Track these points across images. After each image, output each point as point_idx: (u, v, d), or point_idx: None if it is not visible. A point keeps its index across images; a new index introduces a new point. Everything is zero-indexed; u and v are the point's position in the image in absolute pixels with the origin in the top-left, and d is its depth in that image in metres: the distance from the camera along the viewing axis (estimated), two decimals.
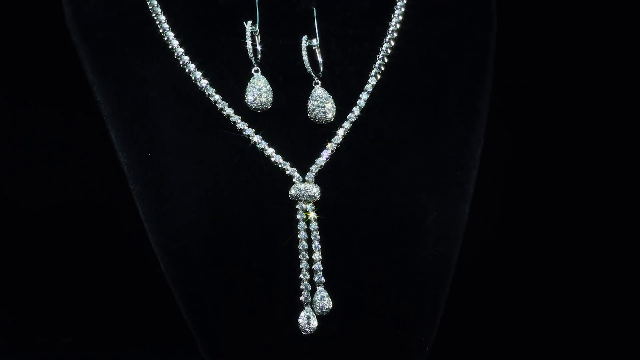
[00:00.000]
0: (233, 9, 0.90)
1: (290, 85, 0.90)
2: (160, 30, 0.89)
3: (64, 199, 1.53)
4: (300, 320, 0.84)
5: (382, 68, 0.93)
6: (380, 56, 0.93)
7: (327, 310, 0.85)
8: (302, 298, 0.85)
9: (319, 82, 0.90)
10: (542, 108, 1.48)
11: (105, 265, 1.51)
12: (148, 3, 0.89)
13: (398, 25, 0.95)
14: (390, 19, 0.95)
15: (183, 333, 1.50)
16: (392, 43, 0.94)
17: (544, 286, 1.48)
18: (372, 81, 0.92)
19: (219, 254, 0.85)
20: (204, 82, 0.88)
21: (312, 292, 0.85)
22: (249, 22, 0.88)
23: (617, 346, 1.43)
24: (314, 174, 0.88)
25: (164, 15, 0.89)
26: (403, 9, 0.96)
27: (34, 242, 1.50)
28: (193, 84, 0.89)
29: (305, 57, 0.89)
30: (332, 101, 0.89)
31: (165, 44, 0.89)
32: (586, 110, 1.47)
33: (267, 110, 0.88)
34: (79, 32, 0.89)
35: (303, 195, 0.86)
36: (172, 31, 0.89)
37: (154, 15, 0.89)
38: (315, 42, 0.90)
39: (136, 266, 1.51)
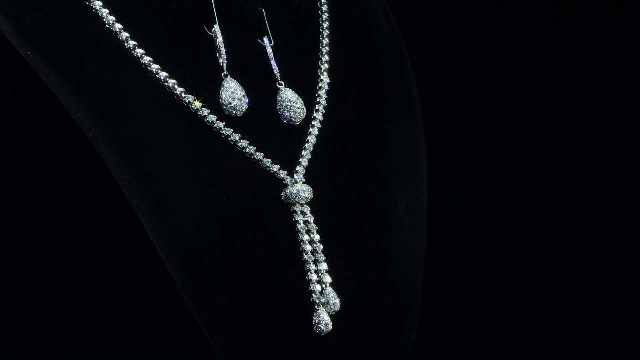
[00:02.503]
0: (186, 13, 0.89)
1: (254, 87, 0.89)
2: (121, 39, 0.87)
3: (64, 199, 1.53)
4: (317, 321, 0.84)
5: (327, 65, 0.94)
6: (324, 52, 0.94)
7: (337, 309, 0.85)
8: (315, 299, 0.85)
9: (283, 82, 0.90)
10: (533, 108, 1.48)
11: (105, 265, 1.51)
12: (98, 13, 0.88)
13: (327, 23, 0.96)
14: (319, 17, 0.96)
15: (183, 333, 1.50)
16: (328, 40, 0.95)
17: (542, 286, 1.48)
18: (326, 78, 0.93)
19: (227, 261, 0.84)
20: (179, 90, 0.87)
21: (321, 292, 0.85)
22: (216, 26, 0.88)
23: (616, 346, 1.43)
24: (302, 174, 0.87)
25: (118, 23, 0.87)
26: (326, 6, 0.97)
27: (34, 243, 1.51)
28: (169, 92, 0.88)
29: (272, 59, 0.89)
30: (302, 101, 0.89)
31: (128, 53, 0.87)
32: (574, 111, 1.47)
33: (242, 113, 0.87)
34: (32, 45, 0.87)
35: (297, 196, 0.86)
36: (132, 40, 0.87)
37: (107, 25, 0.87)
38: (269, 43, 0.90)
39: (136, 266, 1.51)
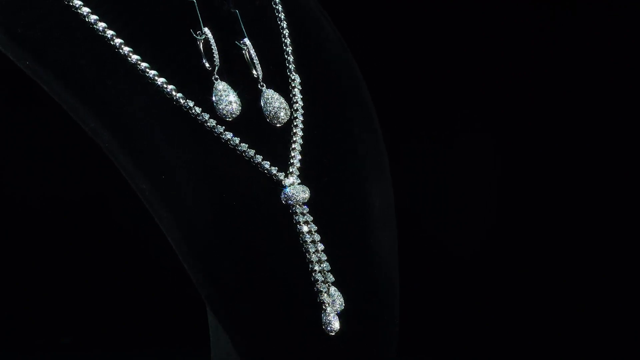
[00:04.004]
0: (173, 16, 0.89)
1: (238, 89, 0.90)
2: (115, 44, 0.87)
3: (64, 199, 1.53)
4: (327, 321, 0.85)
5: (294, 65, 0.94)
6: (289, 52, 0.95)
7: (342, 308, 0.85)
8: (324, 299, 0.85)
9: (264, 84, 0.90)
10: (532, 107, 1.48)
11: (105, 265, 1.52)
12: (86, 19, 0.87)
13: (286, 22, 0.96)
14: (276, 16, 0.97)
15: (183, 333, 1.51)
16: (290, 39, 0.95)
17: (539, 285, 1.48)
18: (297, 77, 0.93)
19: (237, 264, 0.84)
20: (177, 95, 0.87)
21: (327, 292, 0.85)
22: (206, 29, 0.88)
23: (616, 344, 1.43)
24: (296, 175, 0.88)
25: (110, 30, 0.87)
26: (281, 6, 0.97)
27: (34, 243, 1.51)
28: (168, 98, 0.88)
29: (256, 61, 0.90)
30: (285, 101, 0.90)
31: (123, 58, 0.87)
32: (570, 108, 1.47)
33: (235, 117, 0.87)
34: (31, 54, 0.85)
35: (297, 197, 0.86)
36: (127, 46, 0.87)
37: (99, 32, 0.87)
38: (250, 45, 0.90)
39: (136, 266, 1.51)
